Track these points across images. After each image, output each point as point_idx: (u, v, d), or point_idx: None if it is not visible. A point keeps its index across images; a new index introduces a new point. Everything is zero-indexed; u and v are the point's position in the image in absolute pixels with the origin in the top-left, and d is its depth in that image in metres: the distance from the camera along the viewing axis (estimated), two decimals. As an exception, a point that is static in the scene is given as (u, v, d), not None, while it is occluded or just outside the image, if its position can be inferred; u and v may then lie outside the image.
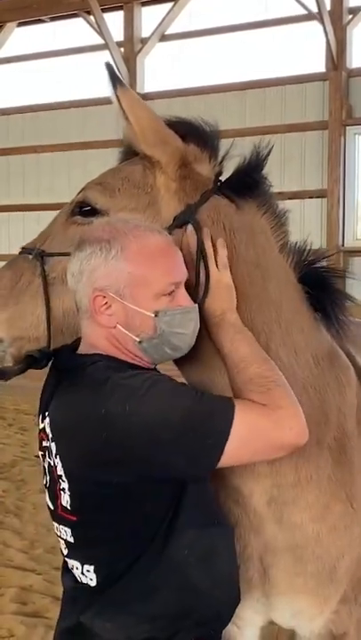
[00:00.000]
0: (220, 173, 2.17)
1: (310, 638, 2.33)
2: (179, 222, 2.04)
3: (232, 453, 1.80)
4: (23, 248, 2.17)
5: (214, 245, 2.02)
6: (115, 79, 2.04)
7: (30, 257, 2.10)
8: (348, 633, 2.29)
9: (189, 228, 2.03)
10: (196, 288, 2.01)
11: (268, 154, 2.19)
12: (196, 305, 1.95)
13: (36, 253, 2.09)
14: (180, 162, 2.08)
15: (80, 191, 2.14)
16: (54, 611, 4.44)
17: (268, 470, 2.10)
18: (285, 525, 2.15)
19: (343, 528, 2.17)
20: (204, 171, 2.13)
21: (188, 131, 2.12)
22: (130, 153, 2.19)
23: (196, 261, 2.00)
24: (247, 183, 2.15)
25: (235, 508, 2.15)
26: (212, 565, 1.96)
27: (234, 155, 2.18)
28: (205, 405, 1.80)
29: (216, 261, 2.01)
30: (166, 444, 1.76)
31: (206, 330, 2.00)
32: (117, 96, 2.04)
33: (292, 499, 2.12)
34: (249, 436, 1.80)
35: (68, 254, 1.98)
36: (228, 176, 2.19)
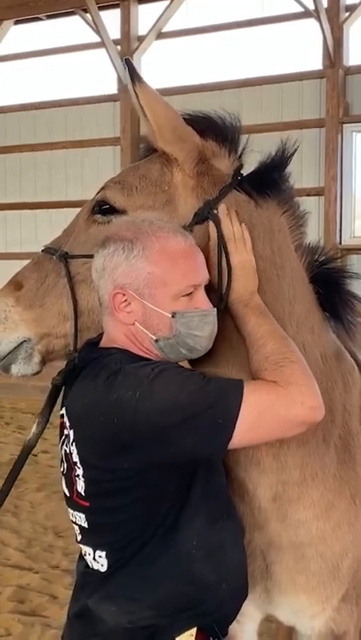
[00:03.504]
0: (239, 168, 2.17)
1: (311, 636, 2.33)
2: (198, 219, 2.06)
3: (244, 433, 1.81)
4: (47, 247, 2.22)
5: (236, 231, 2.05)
6: (134, 75, 2.06)
7: (54, 258, 2.15)
8: (348, 632, 2.29)
9: (211, 224, 2.05)
10: (220, 277, 2.03)
11: (293, 153, 2.20)
12: (215, 308, 1.97)
13: (60, 255, 2.14)
14: (197, 158, 2.09)
15: (100, 189, 2.17)
16: (52, 609, 4.45)
17: (273, 466, 2.11)
18: (289, 522, 2.15)
19: (347, 526, 2.18)
20: (222, 166, 2.13)
21: (206, 126, 2.13)
22: (151, 149, 2.19)
23: (218, 256, 2.03)
24: (268, 181, 2.16)
25: (240, 504, 2.16)
26: (219, 560, 1.97)
27: (255, 150, 2.18)
28: (213, 386, 1.82)
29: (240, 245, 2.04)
30: (176, 426, 1.78)
31: (225, 323, 2.02)
32: (135, 92, 2.05)
33: (297, 496, 2.13)
34: (259, 415, 1.81)
35: (90, 256, 2.04)
36: (249, 172, 2.19)
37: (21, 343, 2.16)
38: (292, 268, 2.16)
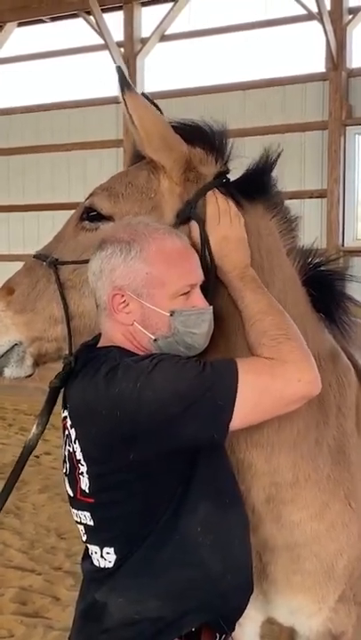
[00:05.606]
0: (223, 171, 2.17)
1: (309, 636, 2.35)
2: (180, 219, 2.08)
3: (245, 414, 1.84)
4: (38, 253, 2.25)
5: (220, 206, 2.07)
6: (123, 83, 2.08)
7: (44, 264, 2.19)
8: (346, 632, 2.31)
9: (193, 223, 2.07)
10: (204, 254, 2.05)
11: (277, 158, 2.22)
12: (211, 307, 1.99)
13: (50, 262, 2.18)
14: (184, 166, 2.11)
15: (88, 196, 2.19)
16: (54, 611, 4.46)
17: (265, 469, 2.13)
18: (284, 524, 2.17)
19: (341, 527, 2.19)
20: (209, 174, 2.15)
21: (194, 134, 2.15)
22: (139, 156, 2.21)
23: (202, 252, 2.04)
24: (254, 186, 2.18)
25: None
26: (226, 551, 1.98)
27: (242, 156, 2.19)
28: (210, 369, 1.85)
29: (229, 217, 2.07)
30: (178, 412, 1.81)
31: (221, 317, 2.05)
32: (125, 100, 2.07)
33: (290, 497, 2.15)
34: (258, 394, 1.85)
35: (79, 262, 2.09)
36: (236, 178, 2.20)
37: (13, 346, 2.20)
38: (284, 271, 2.18)
